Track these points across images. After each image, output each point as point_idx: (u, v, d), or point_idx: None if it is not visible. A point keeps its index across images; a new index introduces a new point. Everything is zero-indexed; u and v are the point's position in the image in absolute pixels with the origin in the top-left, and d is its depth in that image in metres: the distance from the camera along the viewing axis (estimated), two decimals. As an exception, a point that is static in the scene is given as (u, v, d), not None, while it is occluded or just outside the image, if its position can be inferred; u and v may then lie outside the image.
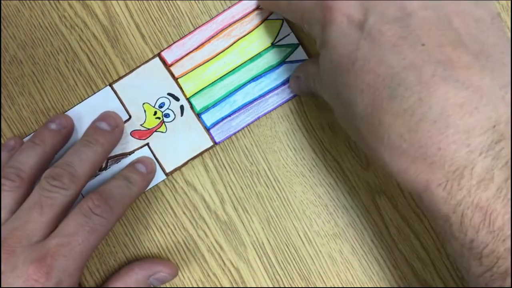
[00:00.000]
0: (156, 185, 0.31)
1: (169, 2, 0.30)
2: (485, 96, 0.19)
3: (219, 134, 0.30)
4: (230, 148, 0.31)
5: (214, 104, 0.30)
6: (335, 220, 0.31)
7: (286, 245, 0.31)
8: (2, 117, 0.31)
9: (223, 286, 0.31)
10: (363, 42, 0.21)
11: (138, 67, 0.30)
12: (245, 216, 0.31)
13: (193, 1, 0.30)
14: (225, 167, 0.31)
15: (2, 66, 0.31)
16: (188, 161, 0.31)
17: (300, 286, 0.31)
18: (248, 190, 0.31)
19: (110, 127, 0.29)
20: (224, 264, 0.31)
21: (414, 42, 0.20)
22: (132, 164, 0.30)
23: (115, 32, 0.31)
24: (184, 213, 0.31)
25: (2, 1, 0.31)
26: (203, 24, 0.30)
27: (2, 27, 0.31)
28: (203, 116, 0.30)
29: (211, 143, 0.30)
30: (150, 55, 0.31)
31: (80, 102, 0.30)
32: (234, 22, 0.30)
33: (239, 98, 0.30)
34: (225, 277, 0.31)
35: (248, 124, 0.31)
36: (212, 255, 0.31)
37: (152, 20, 0.31)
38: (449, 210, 0.20)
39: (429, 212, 0.21)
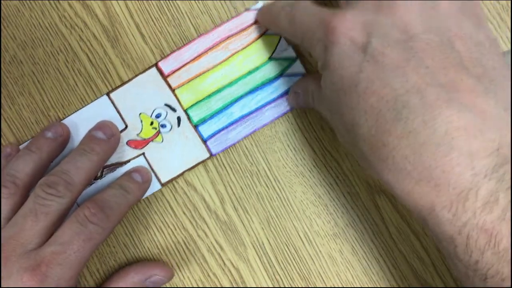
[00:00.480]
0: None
1: (169, 2, 0.30)
2: (488, 119, 0.19)
3: (215, 146, 0.30)
4: (230, 148, 0.31)
5: (211, 116, 0.30)
6: (335, 220, 0.31)
7: (286, 245, 0.31)
8: (2, 117, 0.31)
9: (223, 286, 0.31)
10: (366, 64, 0.21)
11: (135, 76, 0.30)
12: (245, 216, 0.31)
13: (193, 1, 0.30)
14: (225, 167, 0.31)
15: (2, 66, 0.31)
16: (184, 172, 0.30)
17: (300, 286, 0.31)
18: (248, 190, 0.31)
19: (106, 136, 0.29)
20: (224, 264, 0.31)
21: (418, 64, 0.20)
22: (128, 173, 0.30)
23: (115, 32, 0.31)
24: (184, 213, 0.31)
25: (2, 1, 0.31)
26: (201, 35, 0.30)
27: (2, 27, 0.31)
28: (200, 128, 0.30)
29: (208, 155, 0.30)
30: (150, 55, 0.31)
31: (76, 111, 0.30)
32: (232, 35, 0.30)
33: (236, 110, 0.30)
34: (225, 277, 0.31)
35: (245, 137, 0.30)
36: (212, 255, 0.31)
37: (152, 20, 0.31)
38: (454, 231, 0.20)
39: (434, 234, 0.21)
